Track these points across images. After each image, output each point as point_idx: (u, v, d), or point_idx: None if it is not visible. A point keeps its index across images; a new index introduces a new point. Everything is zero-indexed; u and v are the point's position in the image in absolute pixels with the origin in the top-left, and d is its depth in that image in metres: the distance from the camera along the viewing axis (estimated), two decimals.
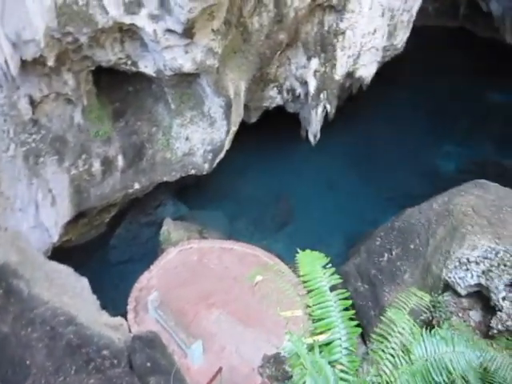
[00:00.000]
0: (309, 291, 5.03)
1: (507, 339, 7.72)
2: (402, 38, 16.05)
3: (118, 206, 13.52)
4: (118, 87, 12.29)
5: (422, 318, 8.82)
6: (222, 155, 13.64)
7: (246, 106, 13.86)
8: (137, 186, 12.77)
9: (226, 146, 13.52)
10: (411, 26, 15.98)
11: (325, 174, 17.50)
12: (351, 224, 15.86)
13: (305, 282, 5.09)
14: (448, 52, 21.85)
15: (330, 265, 5.14)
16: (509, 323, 7.99)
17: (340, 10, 13.73)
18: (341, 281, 5.08)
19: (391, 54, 16.33)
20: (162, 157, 12.84)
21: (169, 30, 10.46)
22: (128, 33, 10.64)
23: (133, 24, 10.18)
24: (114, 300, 11.10)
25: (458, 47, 22.10)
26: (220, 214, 15.19)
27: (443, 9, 22.21)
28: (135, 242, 14.06)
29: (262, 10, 12.00)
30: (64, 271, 8.10)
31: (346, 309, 4.96)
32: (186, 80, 11.98)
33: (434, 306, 8.94)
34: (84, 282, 8.15)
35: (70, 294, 7.47)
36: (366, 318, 10.79)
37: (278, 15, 12.39)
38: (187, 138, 12.96)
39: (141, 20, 10.09)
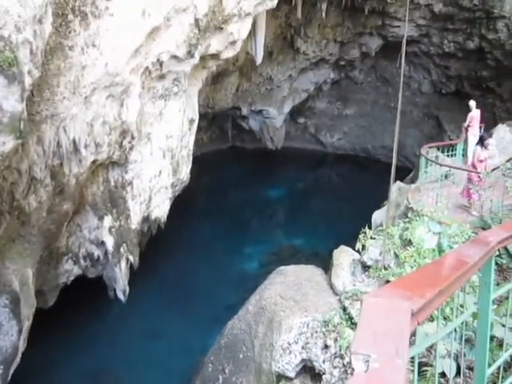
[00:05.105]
0: None
1: None
2: (185, 171, 16.50)
3: None
4: None
5: None
6: (17, 360, 10.84)
7: (38, 292, 11.53)
8: None
9: (21, 348, 10.82)
10: (191, 158, 16.67)
11: (143, 326, 16.02)
12: (182, 363, 14.66)
13: None
14: (227, 168, 24.08)
15: None
16: (333, 381, 8.25)
17: (123, 163, 13.09)
18: None
19: (180, 188, 16.58)
20: None
21: None
22: None
23: None
24: None
25: (234, 162, 24.57)
26: None
27: (215, 135, 24.63)
28: None
29: (38, 187, 10.35)
30: None
31: None
32: None
33: None
34: None
35: None
36: None
37: (58, 186, 10.92)
38: None
39: None
